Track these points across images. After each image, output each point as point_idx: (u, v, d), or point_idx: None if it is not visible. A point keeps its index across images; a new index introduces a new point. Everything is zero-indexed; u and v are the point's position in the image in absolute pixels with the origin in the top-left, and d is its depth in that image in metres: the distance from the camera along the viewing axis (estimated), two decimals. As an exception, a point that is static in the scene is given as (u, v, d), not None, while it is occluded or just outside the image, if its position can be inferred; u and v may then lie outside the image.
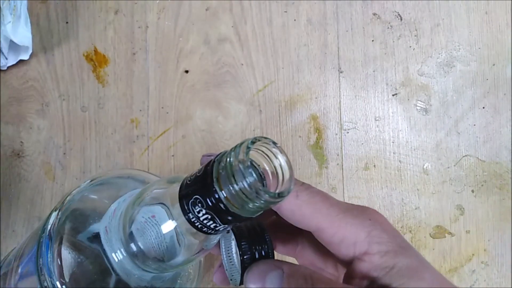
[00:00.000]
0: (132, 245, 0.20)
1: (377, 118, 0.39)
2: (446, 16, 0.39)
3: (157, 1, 0.39)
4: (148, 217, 0.19)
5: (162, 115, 0.38)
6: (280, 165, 0.17)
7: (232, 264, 0.20)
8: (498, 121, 0.39)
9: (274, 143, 0.17)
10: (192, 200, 0.17)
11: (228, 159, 0.16)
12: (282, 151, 0.17)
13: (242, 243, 0.20)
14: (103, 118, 0.38)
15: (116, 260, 0.20)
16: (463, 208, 0.38)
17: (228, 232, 0.21)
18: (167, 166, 0.38)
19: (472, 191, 0.38)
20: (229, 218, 0.17)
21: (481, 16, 0.39)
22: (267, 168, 0.18)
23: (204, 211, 0.17)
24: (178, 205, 0.18)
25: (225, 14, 0.39)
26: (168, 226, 0.19)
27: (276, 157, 0.17)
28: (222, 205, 0.17)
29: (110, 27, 0.39)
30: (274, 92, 0.38)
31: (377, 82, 0.39)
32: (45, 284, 0.21)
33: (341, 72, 0.39)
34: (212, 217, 0.17)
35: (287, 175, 0.17)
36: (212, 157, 0.17)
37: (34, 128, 0.38)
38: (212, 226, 0.17)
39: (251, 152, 0.17)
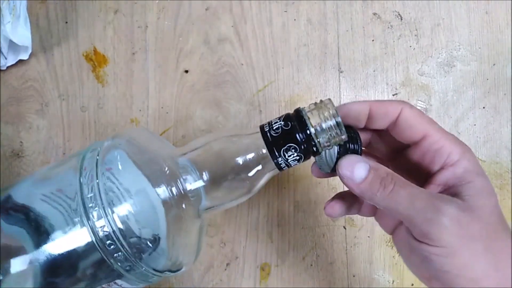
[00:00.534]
0: None
1: (377, 118, 0.39)
2: (446, 16, 0.39)
3: (157, 1, 0.39)
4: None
5: (162, 115, 0.38)
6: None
7: (321, 158, 0.25)
8: (499, 121, 0.39)
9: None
10: (285, 147, 0.23)
11: (323, 114, 0.23)
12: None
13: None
14: (102, 118, 0.38)
15: None
16: (464, 208, 0.38)
17: None
18: (167, 166, 0.38)
19: (473, 191, 0.38)
20: (313, 155, 0.24)
21: (482, 16, 0.39)
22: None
23: (295, 154, 0.23)
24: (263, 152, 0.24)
25: (225, 14, 0.39)
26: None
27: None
28: (314, 148, 0.23)
29: (110, 27, 0.39)
30: (274, 92, 0.38)
31: (377, 82, 0.39)
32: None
33: (341, 72, 0.39)
34: (300, 158, 0.23)
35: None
36: (289, 114, 0.24)
37: (33, 128, 0.38)
38: (293, 164, 0.24)
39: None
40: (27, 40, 0.37)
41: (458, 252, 0.20)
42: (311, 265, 0.37)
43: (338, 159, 0.24)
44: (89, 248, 0.23)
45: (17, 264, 0.23)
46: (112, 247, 0.23)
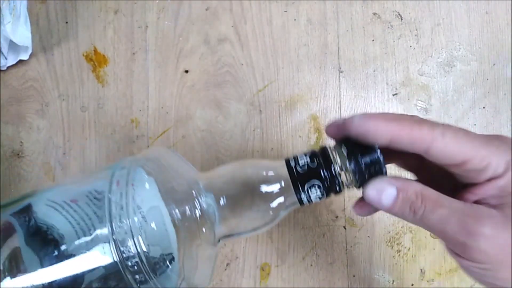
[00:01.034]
0: None
1: (377, 118, 0.39)
2: (447, 16, 0.39)
3: (157, 1, 0.39)
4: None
5: (162, 115, 0.38)
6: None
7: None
8: (499, 121, 0.39)
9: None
10: (309, 184, 0.23)
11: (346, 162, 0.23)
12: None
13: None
14: (102, 118, 0.38)
15: None
16: (464, 208, 0.38)
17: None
18: (167, 166, 0.38)
19: (473, 191, 0.38)
20: (335, 193, 0.24)
21: (482, 16, 0.39)
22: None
23: (318, 192, 0.24)
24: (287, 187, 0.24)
25: (225, 14, 0.39)
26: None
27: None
28: (337, 187, 0.23)
29: (110, 27, 0.39)
30: (274, 92, 0.38)
31: (378, 82, 0.39)
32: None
33: (341, 72, 0.39)
34: (322, 195, 0.24)
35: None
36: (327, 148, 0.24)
37: (33, 128, 0.38)
38: (315, 200, 0.24)
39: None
40: (27, 40, 0.37)
41: (499, 268, 0.20)
42: (311, 265, 0.37)
43: (363, 180, 0.23)
44: (110, 267, 0.23)
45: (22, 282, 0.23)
46: (135, 268, 0.23)
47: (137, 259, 0.23)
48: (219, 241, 0.27)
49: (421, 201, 0.21)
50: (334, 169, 0.23)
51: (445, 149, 0.21)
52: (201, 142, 0.38)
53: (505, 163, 0.21)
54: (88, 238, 0.23)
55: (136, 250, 0.23)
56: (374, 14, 0.39)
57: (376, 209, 0.26)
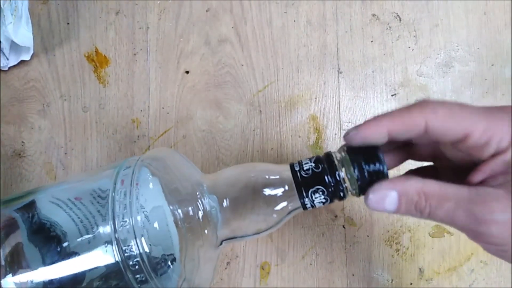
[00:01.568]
0: None
1: (376, 118, 0.39)
2: (445, 16, 0.39)
3: (158, 2, 0.39)
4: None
5: (162, 116, 0.39)
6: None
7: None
8: (497, 121, 0.39)
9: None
10: (313, 189, 0.23)
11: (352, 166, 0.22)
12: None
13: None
14: (104, 118, 0.39)
15: None
16: (462, 208, 0.38)
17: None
18: (168, 166, 0.38)
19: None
20: (340, 199, 0.24)
21: (480, 17, 0.39)
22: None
23: (322, 197, 0.24)
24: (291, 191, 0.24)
25: (226, 15, 0.39)
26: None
27: None
28: (341, 193, 0.23)
29: (111, 27, 0.39)
30: (274, 92, 0.39)
31: (376, 83, 0.39)
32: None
33: (340, 72, 0.39)
34: (326, 201, 0.24)
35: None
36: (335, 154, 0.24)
37: (35, 128, 0.38)
38: (318, 205, 0.24)
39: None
40: (28, 41, 0.37)
41: None
42: (311, 264, 0.38)
43: (364, 184, 0.23)
44: (111, 265, 0.23)
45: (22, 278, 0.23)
46: (136, 267, 0.23)
47: (138, 259, 0.23)
48: (221, 243, 0.27)
49: (425, 200, 0.21)
50: (339, 175, 0.23)
51: (442, 126, 0.20)
52: (201, 142, 0.38)
53: (510, 135, 0.20)
54: (90, 236, 0.23)
55: (138, 251, 0.23)
56: (373, 15, 0.39)
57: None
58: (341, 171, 0.23)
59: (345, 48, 0.39)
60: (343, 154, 0.24)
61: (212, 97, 0.39)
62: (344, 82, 0.39)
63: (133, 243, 0.23)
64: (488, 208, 0.20)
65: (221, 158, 0.38)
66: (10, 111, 0.38)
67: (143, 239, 0.23)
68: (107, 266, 0.23)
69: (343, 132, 0.38)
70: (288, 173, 0.24)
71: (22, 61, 0.38)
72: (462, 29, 0.39)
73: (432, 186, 0.21)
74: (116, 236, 0.23)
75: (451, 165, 0.24)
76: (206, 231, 0.26)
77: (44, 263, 0.23)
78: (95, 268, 0.23)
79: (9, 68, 0.38)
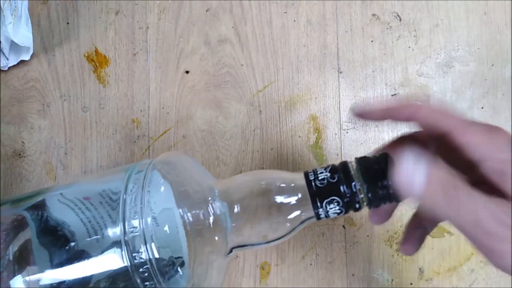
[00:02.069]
0: None
1: (376, 118, 0.39)
2: (445, 16, 0.39)
3: (158, 2, 0.39)
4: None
5: (162, 116, 0.39)
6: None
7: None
8: (497, 121, 0.39)
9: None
10: (328, 199, 0.23)
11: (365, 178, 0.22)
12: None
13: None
14: (104, 118, 0.39)
15: None
16: (462, 208, 0.38)
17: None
18: (168, 166, 0.38)
19: (471, 190, 0.39)
20: (355, 210, 0.23)
21: (480, 17, 0.39)
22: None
23: (337, 208, 0.23)
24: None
25: (225, 15, 0.39)
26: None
27: None
28: (357, 204, 0.23)
29: (111, 27, 0.39)
30: (274, 92, 0.39)
31: (376, 83, 0.39)
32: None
33: (340, 72, 0.39)
34: (341, 212, 0.23)
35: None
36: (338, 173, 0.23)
37: (35, 128, 0.38)
38: (332, 216, 0.24)
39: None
40: (28, 41, 0.37)
41: None
42: (311, 264, 0.38)
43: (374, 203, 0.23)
44: (119, 268, 0.23)
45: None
46: (145, 274, 0.23)
47: (148, 266, 0.23)
48: (231, 251, 0.26)
49: (454, 188, 0.19)
50: (355, 186, 0.22)
51: (431, 115, 0.21)
52: (201, 142, 0.38)
53: (488, 143, 0.20)
54: (99, 237, 0.23)
55: (148, 257, 0.23)
56: (373, 15, 0.39)
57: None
58: (357, 181, 0.22)
59: (345, 48, 0.39)
60: (357, 164, 0.23)
61: (212, 97, 0.39)
62: (344, 82, 0.39)
63: (143, 249, 0.23)
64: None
65: (221, 158, 0.38)
66: (10, 111, 0.38)
67: (153, 244, 0.23)
68: (119, 273, 0.23)
69: (343, 132, 0.38)
70: (302, 182, 0.24)
71: (22, 61, 0.38)
72: (462, 29, 0.39)
73: (461, 180, 0.20)
74: (125, 238, 0.23)
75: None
76: (216, 238, 0.25)
77: (52, 262, 0.23)
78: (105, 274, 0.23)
79: (9, 68, 0.38)
